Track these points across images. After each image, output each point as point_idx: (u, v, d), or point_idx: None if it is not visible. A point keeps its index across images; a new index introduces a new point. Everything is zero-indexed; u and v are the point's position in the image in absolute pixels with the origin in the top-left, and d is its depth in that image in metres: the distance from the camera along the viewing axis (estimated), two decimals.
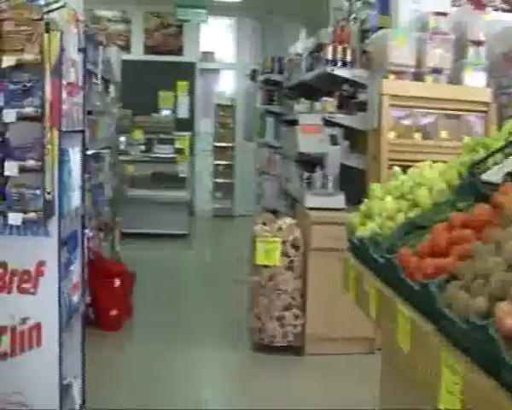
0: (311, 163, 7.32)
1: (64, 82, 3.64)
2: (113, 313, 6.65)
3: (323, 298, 5.84)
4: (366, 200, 3.39)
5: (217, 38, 14.55)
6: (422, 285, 2.37)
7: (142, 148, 12.31)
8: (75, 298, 4.25)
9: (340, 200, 6.12)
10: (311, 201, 6.16)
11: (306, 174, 7.34)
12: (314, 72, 7.35)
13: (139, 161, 11.98)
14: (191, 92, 14.23)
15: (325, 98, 6.88)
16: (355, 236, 3.29)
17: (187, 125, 13.67)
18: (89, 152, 7.56)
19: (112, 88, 9.39)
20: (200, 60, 14.36)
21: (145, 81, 13.54)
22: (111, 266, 6.77)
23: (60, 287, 3.68)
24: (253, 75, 11.24)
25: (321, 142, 6.36)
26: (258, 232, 5.99)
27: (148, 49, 14.24)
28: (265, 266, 5.91)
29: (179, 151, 12.01)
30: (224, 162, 14.36)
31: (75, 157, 4.15)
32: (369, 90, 6.29)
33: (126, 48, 14.04)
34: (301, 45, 9.48)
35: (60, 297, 3.68)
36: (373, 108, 6.10)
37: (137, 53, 14.11)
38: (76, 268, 4.33)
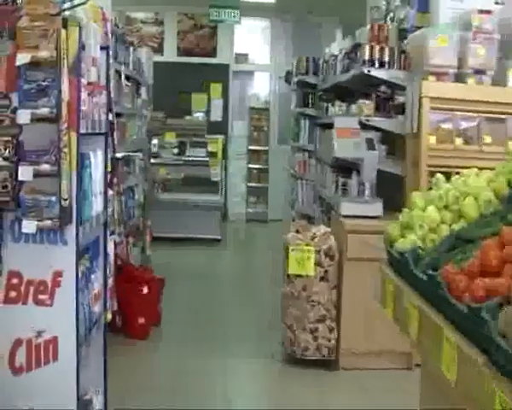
0: (346, 168, 7.07)
1: (84, 81, 3.43)
2: (141, 320, 6.45)
3: (359, 310, 5.56)
4: (406, 210, 3.12)
5: (251, 40, 14.37)
6: (472, 309, 2.11)
7: (175, 151, 12.13)
8: (96, 309, 4.04)
9: (377, 207, 5.84)
10: (346, 208, 5.88)
11: (342, 180, 7.08)
12: (350, 73, 7.08)
13: (171, 165, 11.82)
14: (225, 95, 14.07)
15: (362, 101, 6.61)
16: (394, 248, 3.02)
17: (220, 128, 13.52)
18: (118, 155, 7.40)
19: (143, 90, 9.20)
20: (233, 62, 14.20)
21: (178, 83, 13.43)
22: (139, 272, 6.56)
23: (77, 299, 3.46)
24: (288, 77, 10.99)
25: (357, 146, 6.09)
26: (291, 241, 5.73)
27: (181, 51, 14.12)
28: (298, 276, 5.65)
29: (212, 154, 11.82)
30: (258, 166, 14.17)
31: (97, 161, 3.94)
32: (408, 92, 6.01)
33: (159, 50, 13.95)
34: (337, 46, 9.21)
35: (77, 310, 3.46)
36: (412, 111, 5.82)
37: (170, 55, 14.00)
38: (98, 277, 4.12)
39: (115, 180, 6.62)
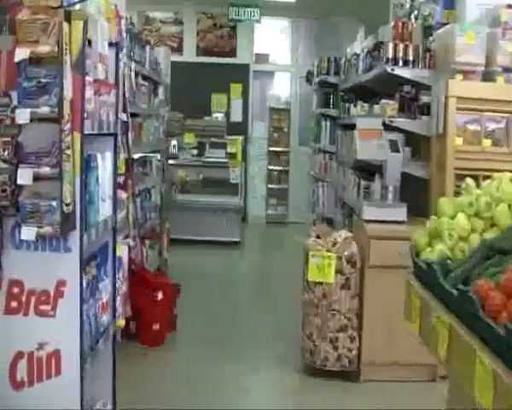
0: (369, 171, 6.84)
1: (89, 78, 3.22)
2: (156, 327, 6.26)
3: (381, 320, 5.32)
4: (433, 217, 2.89)
5: (271, 40, 14.14)
6: (510, 332, 1.88)
7: (194, 152, 11.95)
8: (104, 319, 3.84)
9: (401, 212, 5.59)
10: (369, 212, 5.64)
11: (364, 183, 6.86)
12: (372, 72, 6.83)
13: (190, 166, 11.64)
14: (245, 95, 13.87)
15: (385, 101, 6.35)
16: (421, 258, 2.79)
17: (240, 128, 13.34)
18: (133, 156, 7.21)
19: (160, 90, 9.01)
20: (253, 61, 14.00)
21: (197, 83, 13.28)
22: (154, 277, 6.36)
23: (81, 310, 3.25)
24: (309, 77, 10.76)
25: (380, 148, 5.84)
26: (312, 246, 5.51)
27: (201, 51, 13.92)
28: (318, 283, 5.42)
29: (231, 156, 11.60)
30: (279, 168, 13.99)
31: (105, 163, 3.74)
32: (433, 91, 5.76)
33: (178, 49, 13.80)
34: (359, 45, 8.96)
35: (81, 321, 3.26)
36: (437, 112, 5.57)
37: (189, 55, 13.82)
38: (106, 285, 3.92)
39: (130, 182, 6.44)
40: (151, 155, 8.55)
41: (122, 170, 5.82)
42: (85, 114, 3.11)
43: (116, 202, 4.01)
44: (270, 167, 13.94)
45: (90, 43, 3.26)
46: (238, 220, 11.36)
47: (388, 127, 6.08)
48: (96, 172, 3.52)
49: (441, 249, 2.69)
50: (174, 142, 11.90)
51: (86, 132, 3.17)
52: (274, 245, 12.40)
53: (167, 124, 9.66)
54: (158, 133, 8.79)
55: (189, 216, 10.94)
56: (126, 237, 6.03)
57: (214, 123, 12.07)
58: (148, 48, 7.82)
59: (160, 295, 6.13)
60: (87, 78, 3.16)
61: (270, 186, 13.96)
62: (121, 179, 5.77)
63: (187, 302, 7.21)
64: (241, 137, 12.06)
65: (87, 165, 3.33)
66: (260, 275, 9.76)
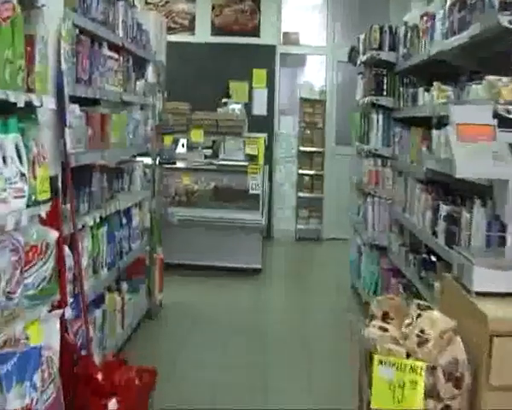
0: (447, 188, 4.49)
1: None
2: None
3: None
4: None
5: (302, 16, 11.84)
6: None
7: (203, 153, 9.56)
8: None
9: None
10: (485, 279, 3.05)
11: (446, 208, 4.43)
12: (461, 36, 4.27)
13: (198, 170, 9.25)
14: (270, 83, 11.58)
15: (493, 77, 3.78)
16: None
17: (264, 124, 11.14)
18: (98, 162, 4.75)
19: (149, 70, 6.56)
20: (281, 43, 11.72)
21: (211, 69, 11.16)
22: (107, 374, 3.80)
23: None
24: (352, 55, 8.19)
25: (496, 159, 3.29)
26: (378, 343, 2.95)
27: (217, 30, 11.61)
28: None
29: (252, 158, 9.10)
30: (311, 172, 11.69)
31: None
32: None
33: (190, 28, 11.64)
34: (422, 6, 6.35)
35: None
36: None
37: (203, 34, 11.56)
38: None
39: (67, 211, 3.97)
40: (130, 160, 6.13)
41: (46, 193, 3.38)
42: None
43: None
44: (301, 172, 11.71)
45: None
46: (259, 242, 8.86)
47: (504, 121, 3.54)
48: None
49: None
50: (183, 140, 9.54)
51: None
52: (306, 271, 9.81)
53: (163, 117, 7.20)
54: (144, 130, 6.32)
55: (196, 236, 8.63)
56: (57, 306, 3.58)
57: (230, 117, 9.54)
58: (122, 4, 5.32)
59: (112, 405, 3.61)
60: None
61: (300, 195, 11.70)
62: (45, 209, 3.37)
63: (182, 370, 5.15)
64: (263, 135, 9.56)
65: None
66: (289, 320, 7.16)
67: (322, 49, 11.88)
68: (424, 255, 5.43)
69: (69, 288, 3.86)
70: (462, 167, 3.31)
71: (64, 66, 3.79)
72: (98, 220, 4.78)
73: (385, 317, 3.19)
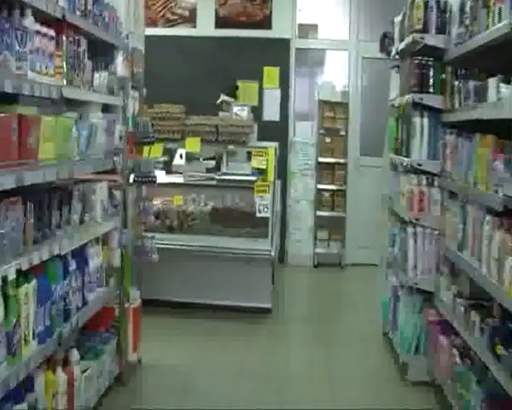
0: None
1: None
2: None
3: None
4: None
5: (321, 5, 10.72)
6: None
7: (204, 165, 8.20)
8: None
9: None
10: None
11: None
12: None
13: (193, 187, 7.79)
14: (284, 83, 10.42)
15: None
16: None
17: (276, 131, 9.89)
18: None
19: (119, 60, 5.00)
20: (297, 36, 10.61)
21: (215, 67, 10.10)
22: None
23: None
24: (385, 43, 6.54)
25: None
26: None
27: (222, 22, 10.43)
28: None
29: (260, 173, 7.54)
30: (332, 187, 10.43)
31: None
32: None
33: (191, 20, 10.49)
34: None
35: None
36: None
37: (206, 27, 10.42)
38: None
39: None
40: (95, 178, 4.54)
41: None
42: None
43: None
44: (320, 187, 10.41)
45: None
46: (268, 276, 7.28)
47: None
48: None
49: None
50: (181, 151, 8.29)
51: None
52: (328, 312, 8.02)
53: (141, 121, 5.62)
54: (107, 139, 4.71)
55: (189, 269, 7.17)
56: None
57: (233, 122, 7.96)
58: None
59: None
60: None
61: (319, 214, 10.34)
62: None
63: None
64: (275, 144, 8.00)
65: None
66: (314, 399, 5.44)
67: (344, 43, 10.75)
68: (496, 321, 3.81)
69: None
70: None
71: None
72: (14, 276, 3.16)
73: None
